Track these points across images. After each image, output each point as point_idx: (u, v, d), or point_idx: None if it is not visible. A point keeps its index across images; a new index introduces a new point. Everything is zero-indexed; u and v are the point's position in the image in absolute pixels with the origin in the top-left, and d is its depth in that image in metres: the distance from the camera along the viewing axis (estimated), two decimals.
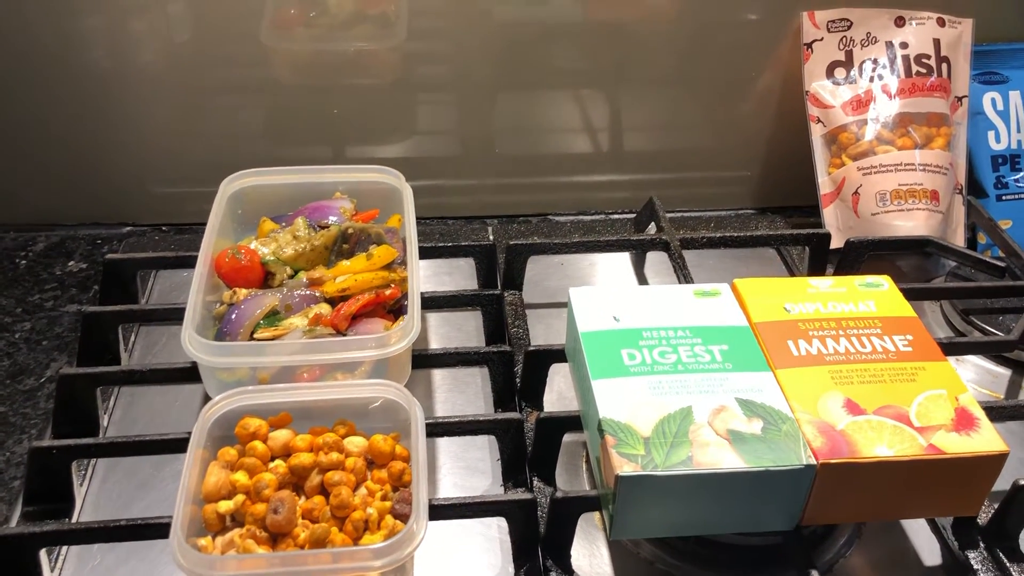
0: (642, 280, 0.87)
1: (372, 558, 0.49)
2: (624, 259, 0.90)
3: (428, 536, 0.62)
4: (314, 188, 0.77)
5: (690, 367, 0.61)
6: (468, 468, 0.69)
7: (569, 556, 0.61)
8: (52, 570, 0.60)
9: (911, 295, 0.69)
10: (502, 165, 0.97)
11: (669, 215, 0.87)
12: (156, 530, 0.55)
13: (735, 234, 0.82)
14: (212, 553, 0.51)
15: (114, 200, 0.93)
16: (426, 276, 0.86)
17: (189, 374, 0.67)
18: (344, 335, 0.65)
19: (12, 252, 0.90)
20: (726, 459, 0.55)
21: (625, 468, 0.54)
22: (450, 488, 0.67)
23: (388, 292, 0.68)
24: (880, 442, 0.56)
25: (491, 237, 0.92)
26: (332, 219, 0.74)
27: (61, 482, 0.63)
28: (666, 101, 0.96)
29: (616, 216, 0.98)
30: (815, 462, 0.55)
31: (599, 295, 0.66)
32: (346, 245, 0.72)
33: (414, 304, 0.64)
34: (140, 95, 0.88)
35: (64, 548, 0.62)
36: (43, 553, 0.59)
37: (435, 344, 0.79)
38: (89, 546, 0.62)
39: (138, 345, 0.78)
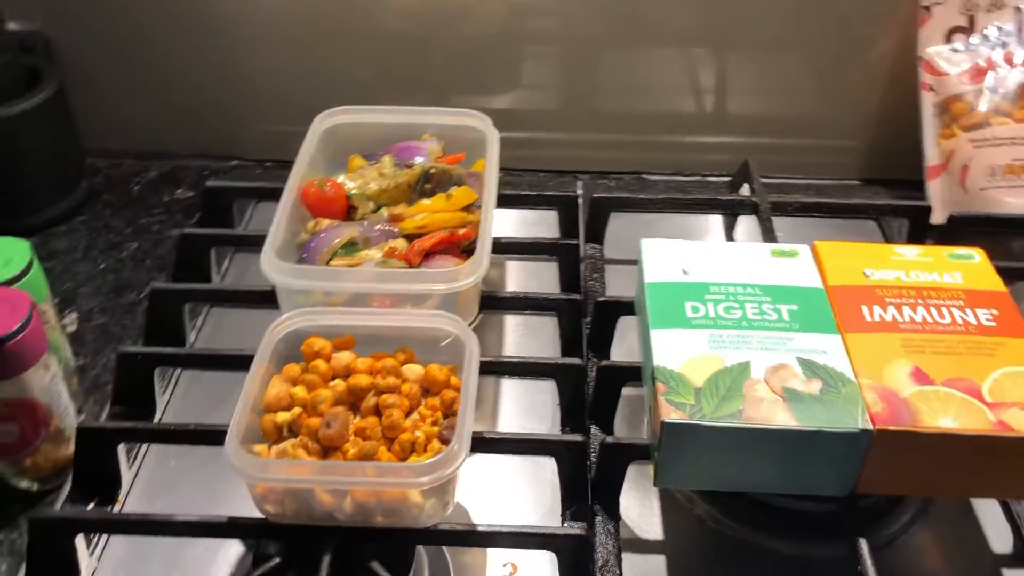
0: None
1: (413, 475, 0.50)
2: (716, 223, 0.89)
3: (481, 470, 0.64)
4: (404, 129, 0.79)
5: (754, 324, 0.59)
6: (530, 411, 0.69)
7: (618, 503, 0.61)
8: (130, 465, 0.65)
9: (1008, 275, 0.65)
10: (599, 121, 0.97)
11: (768, 181, 0.85)
12: (222, 437, 0.58)
13: (828, 200, 0.80)
14: (269, 458, 0.54)
15: (224, 135, 0.98)
16: (511, 225, 0.87)
17: (271, 297, 0.70)
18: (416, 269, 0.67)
19: (128, 178, 0.96)
20: (778, 416, 0.53)
21: (672, 415, 0.53)
22: (509, 428, 0.68)
23: (462, 232, 0.69)
24: (945, 413, 0.53)
25: (579, 190, 0.92)
26: (419, 159, 0.76)
27: (145, 388, 0.67)
28: (773, 64, 0.93)
29: (712, 178, 0.96)
30: (871, 427, 0.53)
31: (671, 247, 0.66)
32: (428, 185, 0.73)
33: (484, 243, 0.65)
34: (256, 38, 0.92)
35: (143, 448, 0.66)
36: (122, 448, 0.63)
37: (512, 290, 0.80)
38: (165, 449, 0.66)
39: (232, 270, 0.82)
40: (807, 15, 0.88)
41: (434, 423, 0.56)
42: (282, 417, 0.56)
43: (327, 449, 0.54)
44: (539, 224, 0.88)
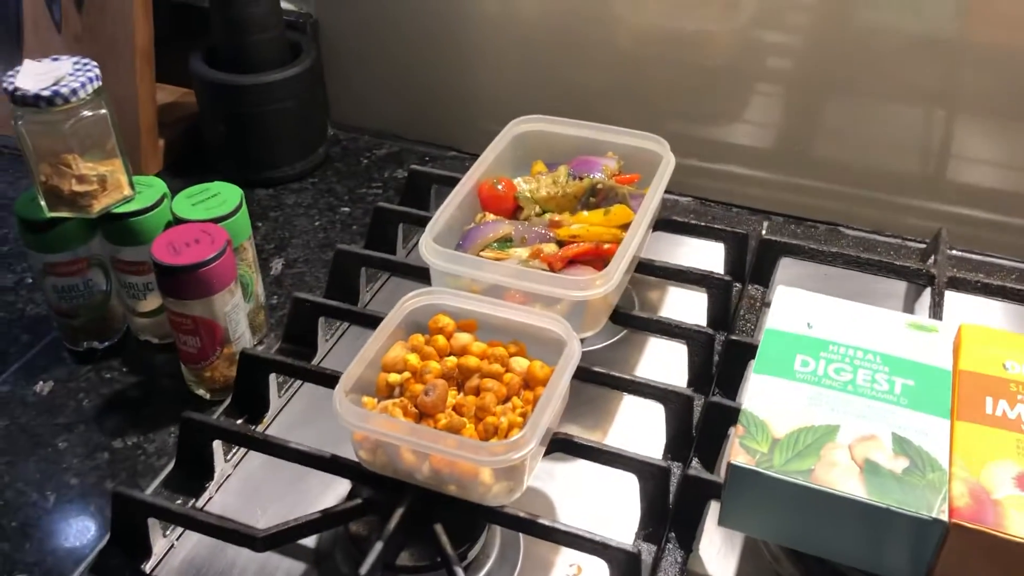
0: None
1: (483, 453, 0.55)
2: (898, 291, 0.85)
3: (571, 475, 0.67)
4: (590, 143, 0.83)
5: (860, 391, 0.58)
6: (643, 426, 0.71)
7: (693, 536, 0.62)
8: (280, 395, 0.74)
9: None
10: (806, 166, 0.95)
11: (966, 255, 0.80)
12: None
13: (1011, 285, 0.74)
14: (369, 410, 0.60)
15: (448, 127, 1.07)
16: (680, 252, 0.88)
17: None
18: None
19: (360, 152, 1.07)
20: (848, 484, 0.52)
21: (740, 459, 0.54)
22: (613, 442, 0.70)
23: (607, 247, 0.72)
24: None
25: (764, 231, 0.91)
26: (595, 175, 0.80)
27: (310, 332, 0.77)
28: (1010, 137, 0.87)
29: (912, 243, 0.92)
30: (946, 519, 0.50)
31: (805, 299, 0.65)
32: (594, 199, 0.77)
33: (621, 259, 0.68)
34: (497, 43, 1.00)
35: (295, 384, 0.75)
36: (273, 378, 0.73)
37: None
38: (315, 389, 0.75)
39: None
40: None
41: (522, 414, 0.60)
42: (394, 378, 0.62)
43: (422, 415, 0.60)
44: (717, 258, 0.88)
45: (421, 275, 0.79)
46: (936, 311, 0.73)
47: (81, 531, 0.65)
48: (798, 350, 0.61)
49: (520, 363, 0.63)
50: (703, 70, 0.95)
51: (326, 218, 0.97)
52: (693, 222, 0.83)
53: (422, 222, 0.88)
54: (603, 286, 0.67)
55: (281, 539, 0.59)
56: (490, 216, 0.77)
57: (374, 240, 0.86)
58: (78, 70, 0.70)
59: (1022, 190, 0.88)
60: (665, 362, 0.77)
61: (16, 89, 0.68)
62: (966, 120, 0.88)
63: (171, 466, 0.68)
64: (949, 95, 0.87)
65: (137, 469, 0.70)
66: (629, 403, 0.74)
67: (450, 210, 0.74)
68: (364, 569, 0.54)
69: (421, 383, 0.61)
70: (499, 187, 0.78)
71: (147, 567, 0.62)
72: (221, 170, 0.94)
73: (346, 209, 0.98)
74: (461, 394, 0.62)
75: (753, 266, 0.82)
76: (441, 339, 0.64)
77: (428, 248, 0.70)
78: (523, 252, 0.73)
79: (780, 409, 0.57)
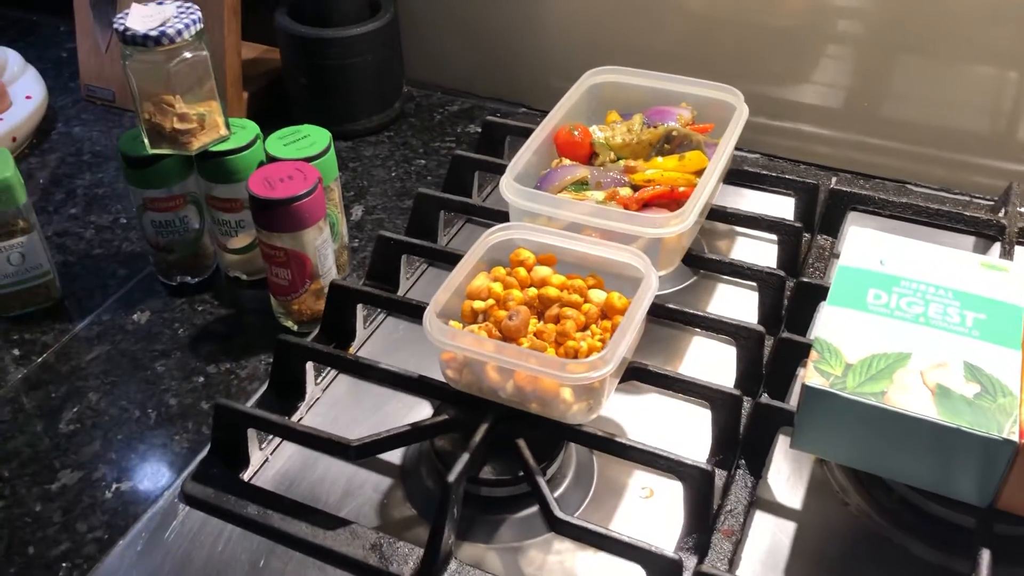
0: None
1: (563, 370, 0.57)
2: (967, 246, 0.85)
3: (643, 408, 0.70)
4: (663, 95, 0.85)
5: (932, 322, 0.60)
6: (712, 365, 0.74)
7: (763, 463, 0.64)
8: (366, 325, 0.78)
9: None
10: (875, 125, 0.96)
11: None
12: None
13: None
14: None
15: (520, 84, 1.09)
16: (752, 204, 0.89)
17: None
18: None
19: (433, 107, 1.11)
20: (921, 406, 0.54)
21: (813, 380, 0.56)
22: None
23: (682, 190, 0.74)
24: None
25: (831, 183, 0.92)
26: (670, 123, 0.82)
27: (394, 269, 0.80)
28: None
29: (979, 200, 0.92)
30: (1017, 440, 0.52)
31: (878, 238, 0.67)
32: (668, 145, 0.79)
33: (696, 202, 0.70)
34: (556, 3, 1.02)
35: (380, 315, 0.79)
36: (360, 308, 0.76)
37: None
38: (398, 321, 0.79)
39: (494, 194, 0.93)
40: None
41: (600, 340, 0.63)
42: (479, 304, 0.65)
43: (506, 338, 0.63)
44: (786, 211, 0.90)
45: (498, 218, 0.81)
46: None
47: (181, 445, 0.70)
48: (871, 285, 0.63)
49: (598, 294, 0.65)
50: (773, 30, 0.96)
51: (402, 169, 1.00)
52: (764, 173, 0.84)
53: (498, 170, 0.91)
54: (679, 224, 0.69)
55: (372, 449, 0.62)
56: (566, 161, 0.79)
57: (451, 188, 0.89)
58: (182, 13, 0.74)
59: None
60: (734, 308, 0.79)
61: (126, 29, 0.72)
62: None
63: (264, 389, 0.72)
64: (1021, 56, 0.87)
65: (231, 392, 0.74)
66: (699, 344, 0.76)
67: (528, 155, 0.77)
68: (452, 476, 0.58)
69: (504, 309, 0.64)
70: (575, 134, 0.81)
71: (245, 476, 0.66)
72: (302, 123, 0.98)
73: (421, 161, 1.01)
74: (542, 323, 0.65)
75: (823, 217, 0.83)
76: (522, 271, 0.67)
77: (508, 187, 0.73)
78: (599, 195, 0.75)
79: (853, 337, 0.59)
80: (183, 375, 0.76)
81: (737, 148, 0.82)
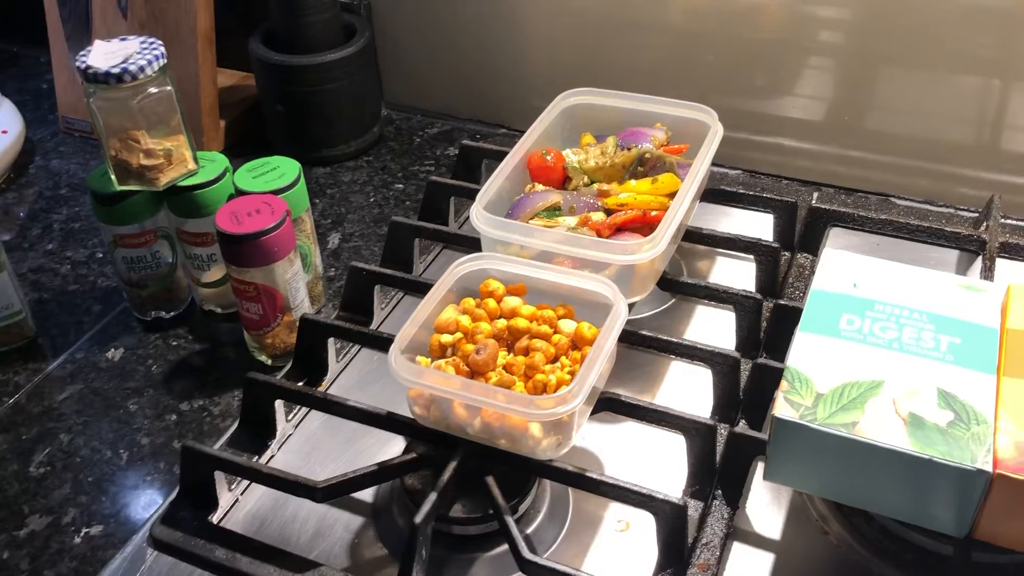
0: None
1: (531, 406, 0.56)
2: (949, 260, 0.84)
3: (618, 438, 0.69)
4: (638, 115, 0.84)
5: (906, 347, 0.59)
6: (691, 390, 0.72)
7: (740, 493, 0.63)
8: (339, 359, 0.77)
9: None
10: (857, 138, 0.95)
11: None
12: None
13: None
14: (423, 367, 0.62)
15: (498, 105, 1.09)
16: (733, 222, 0.88)
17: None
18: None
19: (413, 130, 1.10)
20: (891, 436, 0.53)
21: (783, 411, 0.55)
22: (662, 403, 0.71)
23: (654, 214, 0.73)
24: None
25: (814, 201, 0.91)
26: (643, 145, 0.81)
27: (366, 300, 0.79)
28: None
29: (964, 212, 0.91)
30: (990, 470, 0.51)
31: (851, 260, 0.66)
32: (641, 168, 0.78)
33: (668, 225, 0.69)
34: (544, 22, 1.01)
35: (354, 348, 0.78)
36: (332, 342, 0.75)
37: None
38: (372, 354, 0.78)
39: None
40: None
41: (570, 373, 0.62)
42: (446, 338, 0.64)
43: (474, 373, 0.62)
44: (766, 229, 0.89)
45: (473, 246, 0.80)
46: (987, 277, 0.73)
47: (152, 486, 0.69)
48: (844, 309, 0.62)
49: (568, 325, 0.64)
50: (754, 43, 0.95)
51: (380, 195, 0.99)
52: (742, 191, 0.83)
53: (473, 195, 0.90)
54: (651, 250, 0.68)
55: (339, 490, 0.61)
56: (539, 186, 0.79)
57: (427, 214, 0.89)
58: (144, 49, 0.74)
59: None
60: (712, 331, 0.78)
61: (88, 67, 0.72)
62: (1021, 89, 0.87)
63: (235, 426, 0.71)
64: (1004, 64, 0.86)
65: (203, 430, 0.73)
66: (676, 370, 0.75)
67: (499, 180, 0.76)
68: (419, 517, 0.57)
69: (472, 343, 0.63)
70: (548, 158, 0.80)
71: (214, 518, 0.65)
72: (279, 149, 0.97)
73: (400, 186, 1.01)
74: (511, 355, 0.64)
75: (802, 235, 0.82)
76: (491, 302, 0.66)
77: (479, 216, 0.72)
78: (571, 220, 0.74)
79: (825, 365, 0.58)
80: (155, 413, 0.75)
81: (718, 164, 0.81)
